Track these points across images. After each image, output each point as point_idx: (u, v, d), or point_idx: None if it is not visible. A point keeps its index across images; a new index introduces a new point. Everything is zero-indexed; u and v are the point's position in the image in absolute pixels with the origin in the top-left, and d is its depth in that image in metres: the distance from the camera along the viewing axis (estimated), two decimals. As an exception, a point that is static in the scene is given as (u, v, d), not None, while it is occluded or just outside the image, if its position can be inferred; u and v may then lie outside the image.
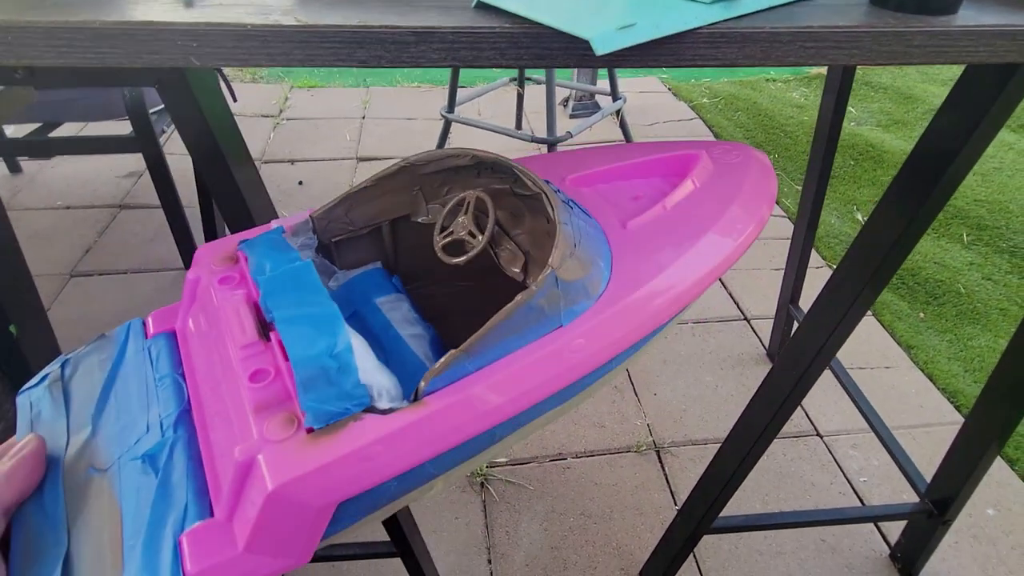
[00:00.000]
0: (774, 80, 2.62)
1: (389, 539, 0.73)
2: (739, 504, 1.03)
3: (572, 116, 2.21)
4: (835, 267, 0.64)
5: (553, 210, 0.34)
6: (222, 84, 1.44)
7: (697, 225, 0.39)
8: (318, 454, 0.25)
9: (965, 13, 0.37)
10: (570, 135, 1.67)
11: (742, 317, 1.43)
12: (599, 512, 1.01)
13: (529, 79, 2.06)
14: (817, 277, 1.48)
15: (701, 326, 1.40)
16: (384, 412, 0.27)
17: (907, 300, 1.51)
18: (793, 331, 1.26)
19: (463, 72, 2.10)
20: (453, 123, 1.81)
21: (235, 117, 0.53)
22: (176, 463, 0.27)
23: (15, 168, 1.82)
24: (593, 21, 0.31)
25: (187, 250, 1.48)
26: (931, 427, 1.19)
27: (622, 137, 2.05)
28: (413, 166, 0.40)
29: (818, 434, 1.17)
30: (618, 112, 1.96)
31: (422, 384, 0.28)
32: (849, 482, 1.08)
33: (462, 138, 2.11)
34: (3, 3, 0.33)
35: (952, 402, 1.24)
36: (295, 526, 0.25)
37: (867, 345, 1.37)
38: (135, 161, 1.81)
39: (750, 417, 0.73)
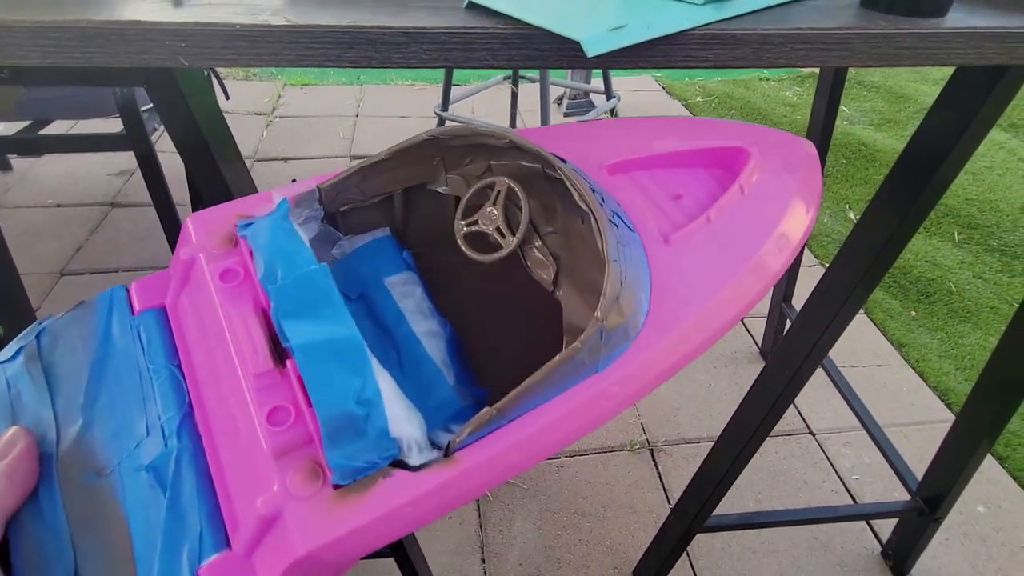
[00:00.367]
0: (767, 79, 2.62)
1: (382, 539, 0.73)
2: (732, 502, 1.04)
3: (566, 115, 2.21)
4: (827, 266, 0.64)
5: (603, 242, 0.31)
6: (215, 82, 1.43)
7: (744, 245, 0.36)
8: (347, 517, 0.24)
9: (954, 15, 0.38)
10: (564, 134, 1.67)
11: (735, 316, 1.43)
12: (593, 511, 1.02)
13: (523, 77, 2.06)
14: (810, 276, 1.48)
15: (695, 325, 1.40)
16: (414, 468, 0.26)
17: (899, 298, 1.51)
18: (786, 330, 1.27)
19: (457, 70, 2.10)
20: (447, 121, 1.80)
21: (228, 115, 0.52)
22: (184, 480, 0.26)
23: (5, 166, 1.80)
24: (584, 22, 0.31)
25: (179, 249, 1.47)
26: (922, 425, 1.20)
27: (616, 136, 2.05)
28: (438, 139, 0.36)
29: (810, 432, 1.18)
30: (612, 111, 1.97)
31: (455, 440, 0.26)
32: (841, 480, 1.09)
33: (456, 136, 2.10)
34: (-12, 2, 0.32)
35: (943, 400, 1.25)
36: (317, 573, 0.25)
37: (859, 343, 1.38)
38: (126, 159, 1.80)
39: (743, 416, 0.74)
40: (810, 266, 1.59)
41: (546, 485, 1.05)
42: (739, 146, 0.42)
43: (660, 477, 1.08)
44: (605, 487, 1.05)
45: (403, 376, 0.34)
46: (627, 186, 0.39)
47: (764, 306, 1.34)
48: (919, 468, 0.89)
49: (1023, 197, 1.87)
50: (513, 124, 2.10)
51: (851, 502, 1.05)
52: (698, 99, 2.43)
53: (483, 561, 0.94)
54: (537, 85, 1.67)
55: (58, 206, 1.67)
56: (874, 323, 1.44)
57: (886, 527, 1.00)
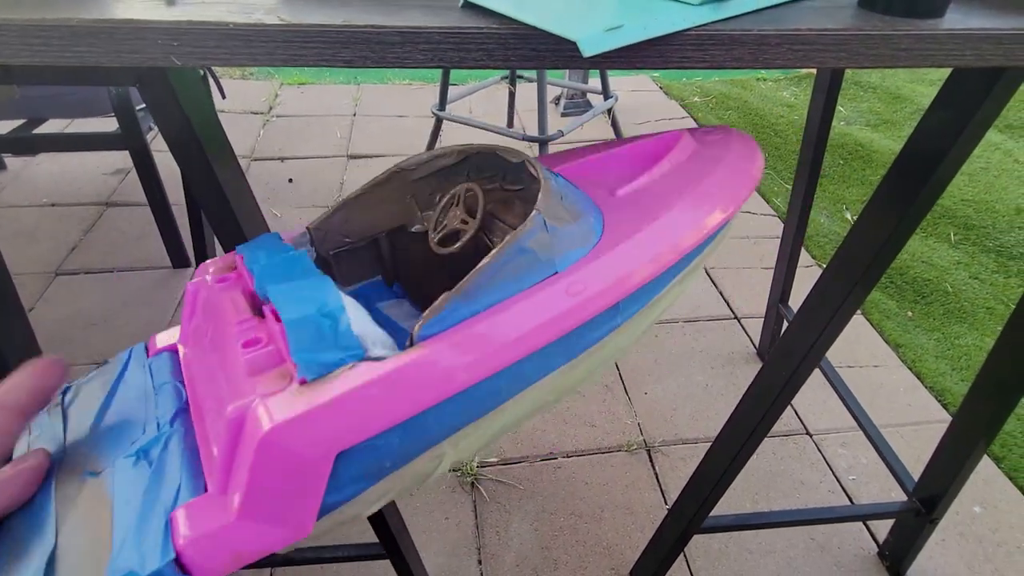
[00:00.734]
0: (765, 79, 2.63)
1: (378, 540, 0.73)
2: (729, 503, 1.04)
3: (564, 114, 2.21)
4: (825, 266, 0.64)
5: (537, 169, 0.34)
6: (211, 81, 1.42)
7: (687, 185, 0.40)
8: (311, 398, 0.24)
9: (952, 17, 0.37)
10: (561, 133, 1.67)
11: (732, 316, 1.43)
12: (589, 512, 1.02)
13: (521, 77, 2.06)
14: (807, 276, 1.48)
15: (691, 325, 1.40)
16: (379, 360, 0.27)
17: (895, 299, 1.52)
18: (783, 330, 1.27)
19: (455, 70, 2.09)
20: (444, 121, 1.80)
21: (224, 114, 0.52)
22: (171, 453, 0.27)
23: (-1, 165, 1.79)
24: (581, 23, 0.31)
25: (174, 248, 1.46)
26: (919, 425, 1.20)
27: (613, 135, 2.05)
28: (404, 171, 0.40)
29: (807, 433, 1.18)
30: (609, 111, 1.96)
31: (416, 328, 0.27)
32: (838, 480, 1.09)
33: (453, 136, 2.10)
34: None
35: (940, 400, 1.26)
36: (292, 483, 0.24)
37: (856, 344, 1.38)
38: (122, 158, 1.79)
39: (740, 416, 0.73)
40: (807, 267, 1.59)
41: (543, 486, 1.05)
42: (673, 134, 0.46)
43: (657, 477, 1.08)
44: (602, 488, 1.05)
45: None
46: (576, 179, 0.42)
47: (761, 306, 1.34)
48: (916, 469, 0.90)
49: (1019, 198, 1.88)
50: (511, 124, 2.10)
51: (848, 503, 1.05)
52: (695, 99, 2.43)
53: (479, 562, 0.94)
54: (535, 85, 1.67)
55: (52, 205, 1.66)
56: (871, 324, 1.44)
57: (883, 528, 1.00)
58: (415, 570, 0.78)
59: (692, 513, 0.80)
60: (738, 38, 0.34)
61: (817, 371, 1.19)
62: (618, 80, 2.54)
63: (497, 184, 0.40)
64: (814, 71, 1.42)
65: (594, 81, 2.06)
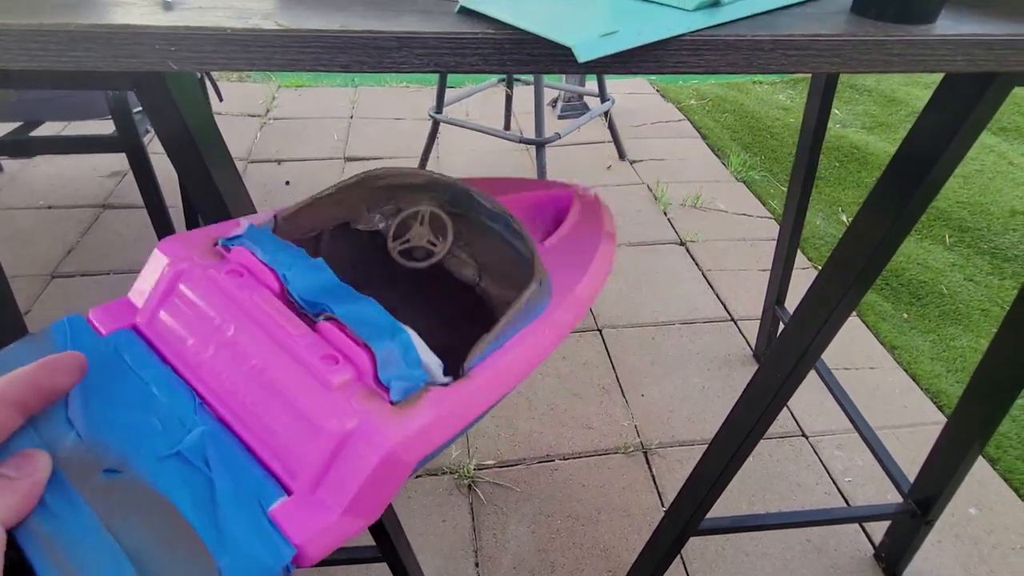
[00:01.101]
0: (761, 82, 2.64)
1: (375, 543, 0.73)
2: (725, 505, 1.04)
3: (561, 117, 2.22)
4: (821, 268, 0.64)
5: (523, 231, 0.41)
6: (208, 84, 1.42)
7: (586, 248, 0.50)
8: (411, 419, 0.28)
9: (943, 23, 0.38)
10: (558, 136, 1.67)
11: (729, 318, 1.44)
12: (586, 514, 1.02)
13: (518, 80, 2.06)
14: (803, 278, 1.49)
15: (688, 327, 1.40)
16: (442, 385, 0.31)
17: (891, 301, 1.52)
18: (779, 332, 1.27)
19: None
20: (441, 124, 1.80)
21: (221, 116, 0.52)
22: (224, 451, 0.27)
23: (-5, 167, 1.79)
24: (576, 28, 0.31)
25: (172, 251, 1.46)
26: (915, 427, 1.20)
27: (610, 138, 2.05)
28: (371, 178, 0.44)
29: (803, 435, 1.18)
30: (606, 113, 1.97)
31: (467, 364, 0.33)
32: (834, 482, 1.09)
33: (451, 138, 2.10)
34: (-25, 5, 0.32)
35: (935, 402, 1.26)
36: (387, 485, 0.28)
37: (852, 345, 1.38)
38: (119, 160, 1.79)
39: (736, 418, 0.74)
40: (803, 268, 1.60)
41: (540, 488, 1.05)
42: (567, 193, 0.55)
43: (654, 480, 1.08)
44: (599, 490, 1.05)
45: None
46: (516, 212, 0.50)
47: (757, 308, 1.34)
48: (911, 470, 0.90)
49: (1013, 200, 1.89)
50: (508, 127, 2.10)
51: (844, 505, 1.06)
52: (692, 102, 2.44)
53: (477, 565, 0.94)
54: (532, 88, 1.68)
55: (49, 208, 1.66)
56: (866, 325, 1.44)
57: (879, 529, 1.00)
58: (412, 573, 0.78)
59: (688, 515, 0.80)
60: (732, 43, 0.35)
61: (813, 373, 1.20)
62: (615, 83, 2.55)
63: (444, 208, 0.46)
64: (809, 74, 1.43)
65: (591, 84, 2.06)
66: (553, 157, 1.99)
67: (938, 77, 0.50)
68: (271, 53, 0.33)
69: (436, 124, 1.81)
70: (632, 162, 2.04)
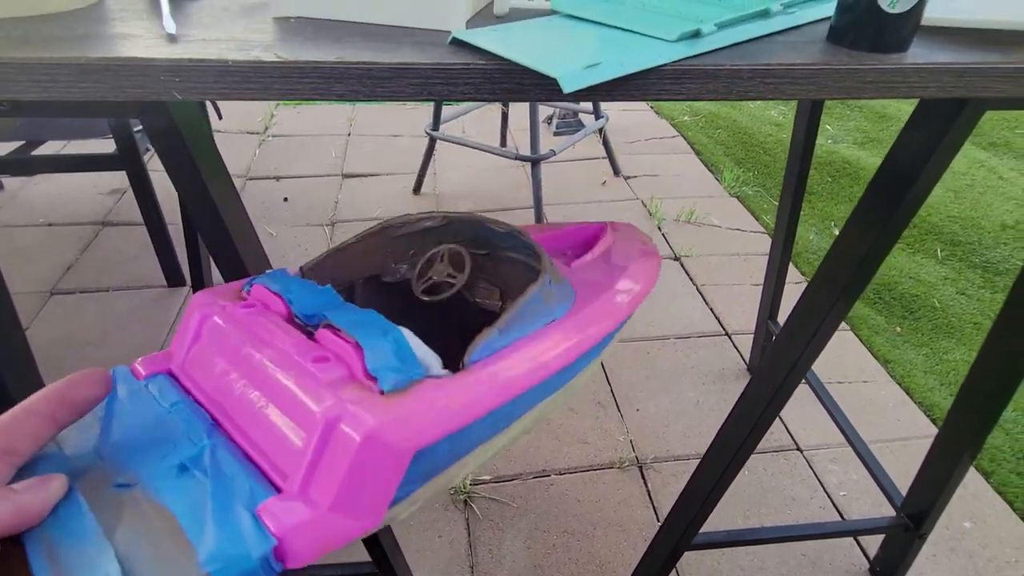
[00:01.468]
0: (754, 99, 2.67)
1: (371, 559, 0.73)
2: (721, 519, 1.04)
3: (556, 134, 2.24)
4: (809, 281, 0.66)
5: (531, 241, 0.41)
6: (208, 103, 1.44)
7: (620, 263, 0.50)
8: (398, 405, 0.28)
9: (916, 51, 0.39)
10: (554, 152, 1.70)
11: (723, 332, 1.45)
12: (582, 529, 1.02)
13: (514, 98, 2.09)
14: (796, 292, 1.50)
15: (683, 341, 1.41)
16: (438, 378, 0.32)
17: (884, 315, 1.54)
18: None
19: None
20: (438, 141, 1.82)
21: (221, 134, 0.54)
22: (224, 463, 0.28)
23: (-4, 185, 1.80)
24: (561, 60, 0.33)
25: (170, 268, 1.47)
26: (908, 440, 1.21)
27: (605, 154, 2.08)
28: (391, 227, 0.46)
29: (798, 448, 1.19)
30: (601, 130, 2.00)
31: (467, 357, 0.33)
32: (829, 496, 1.10)
33: (447, 155, 2.13)
34: (-12, 38, 0.33)
35: (928, 415, 1.27)
36: (378, 477, 0.27)
37: (845, 359, 1.39)
38: (119, 178, 1.80)
39: (727, 432, 0.74)
40: (796, 283, 1.61)
41: (535, 503, 1.05)
42: (598, 226, 0.57)
43: (649, 494, 1.08)
44: (594, 505, 1.06)
45: None
46: (543, 243, 0.52)
47: (751, 323, 1.35)
48: (905, 483, 0.91)
49: (1004, 214, 1.91)
50: (503, 144, 2.13)
51: (839, 518, 1.06)
52: (685, 118, 2.47)
53: (473, 581, 0.94)
54: (527, 105, 1.70)
55: (49, 225, 1.67)
56: (860, 339, 1.46)
57: (874, 543, 1.00)
58: (408, 589, 0.78)
59: (682, 530, 0.80)
60: (712, 72, 0.36)
61: (807, 387, 1.21)
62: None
63: (477, 248, 0.47)
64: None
65: (586, 101, 2.09)
66: (549, 173, 2.01)
67: (917, 99, 0.52)
68: (270, 83, 0.34)
69: (433, 141, 1.84)
70: (627, 178, 2.07)
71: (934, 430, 1.24)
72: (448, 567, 0.95)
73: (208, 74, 0.33)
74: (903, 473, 1.05)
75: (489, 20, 0.43)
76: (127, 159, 1.28)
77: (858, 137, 2.36)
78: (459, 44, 0.37)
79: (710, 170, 2.14)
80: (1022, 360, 0.72)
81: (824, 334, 0.64)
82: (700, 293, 1.57)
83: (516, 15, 0.44)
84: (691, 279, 1.61)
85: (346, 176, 2.00)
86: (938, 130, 0.51)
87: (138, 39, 0.35)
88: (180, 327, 0.36)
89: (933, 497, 0.85)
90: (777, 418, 1.23)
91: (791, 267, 1.64)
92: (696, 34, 0.37)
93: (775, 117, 2.47)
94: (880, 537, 0.97)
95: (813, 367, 0.93)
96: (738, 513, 1.06)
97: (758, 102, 2.64)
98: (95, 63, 0.32)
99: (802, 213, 1.68)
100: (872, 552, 1.00)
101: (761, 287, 1.29)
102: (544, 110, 2.30)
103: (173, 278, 1.48)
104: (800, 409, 1.26)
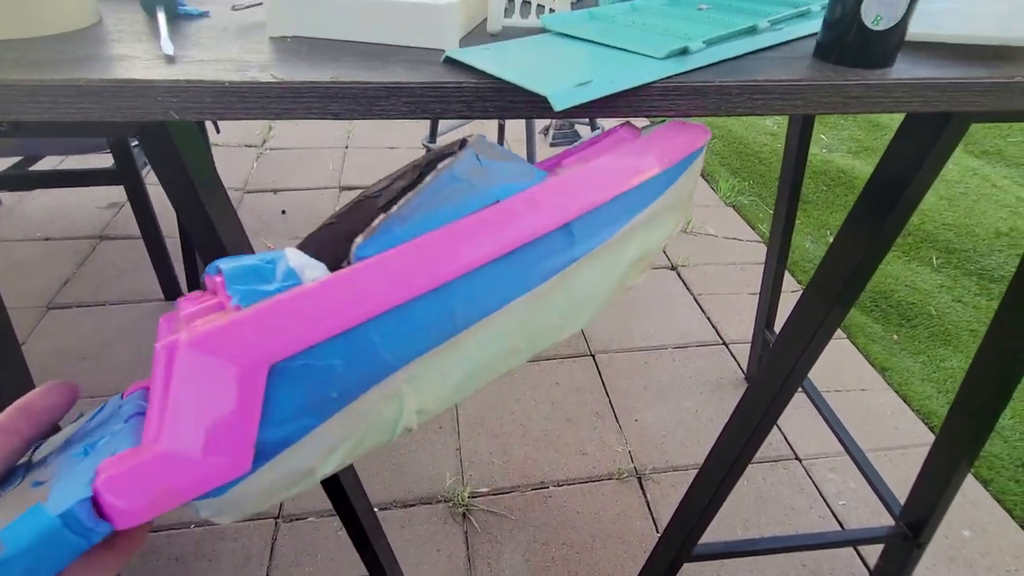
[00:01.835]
0: (748, 109, 2.69)
1: (368, 575, 0.73)
2: (720, 529, 1.04)
3: (552, 144, 2.26)
4: (803, 289, 0.66)
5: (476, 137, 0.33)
6: (205, 117, 1.45)
7: (626, 148, 0.38)
8: (243, 313, 0.24)
9: (900, 66, 0.40)
10: (550, 165, 1.71)
11: (720, 342, 1.45)
12: (581, 541, 1.02)
13: (510, 110, 2.10)
14: (793, 301, 1.50)
15: (680, 351, 1.42)
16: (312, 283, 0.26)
17: (881, 323, 1.54)
18: (770, 355, 1.28)
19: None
20: (435, 153, 1.84)
21: (219, 148, 0.54)
22: (117, 439, 0.26)
23: (-6, 200, 1.81)
24: (552, 78, 0.33)
25: (167, 281, 1.47)
26: (906, 449, 1.21)
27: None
28: (368, 199, 0.39)
29: (797, 458, 1.18)
30: (597, 141, 2.01)
31: (352, 249, 0.27)
32: (828, 506, 1.09)
33: (445, 167, 2.14)
34: (-12, 61, 0.34)
35: (926, 423, 1.27)
36: (220, 400, 0.23)
37: (843, 368, 1.40)
38: (116, 192, 1.81)
39: (725, 442, 0.75)
40: (792, 291, 1.62)
41: (534, 516, 1.05)
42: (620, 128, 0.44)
43: (648, 505, 1.08)
44: (593, 517, 1.05)
45: None
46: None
47: (748, 332, 1.36)
48: (904, 492, 0.90)
49: (998, 222, 1.92)
50: (500, 155, 2.14)
51: (838, 528, 1.06)
52: (681, 129, 2.49)
53: (472, 594, 0.93)
54: (523, 118, 1.71)
55: (46, 239, 1.68)
56: (857, 347, 1.46)
57: (873, 553, 1.00)
58: (406, 603, 0.78)
59: (681, 541, 0.80)
60: (700, 89, 0.37)
61: (805, 396, 1.21)
62: (606, 111, 2.60)
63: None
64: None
65: (582, 113, 2.11)
66: (545, 184, 2.02)
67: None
68: (267, 103, 0.35)
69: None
70: (623, 188, 2.08)
71: (932, 438, 1.23)
72: (447, 580, 0.95)
73: (205, 95, 0.34)
74: (902, 481, 1.05)
75: (482, 38, 0.43)
76: (125, 174, 1.29)
77: (852, 146, 2.38)
78: (452, 63, 0.38)
79: (706, 179, 2.15)
80: (1017, 364, 0.72)
81: (820, 341, 0.65)
82: (697, 303, 1.57)
83: (509, 33, 0.45)
84: (688, 289, 1.62)
85: (344, 189, 2.00)
86: (927, 141, 0.52)
87: (136, 60, 0.36)
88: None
89: (932, 505, 0.85)
90: (775, 428, 1.23)
91: (787, 276, 1.65)
92: (684, 51, 0.38)
93: (770, 127, 2.49)
94: (880, 547, 0.97)
95: (810, 376, 0.93)
96: (737, 523, 1.06)
97: (753, 112, 2.66)
98: (94, 84, 0.32)
99: (798, 222, 1.69)
100: (872, 561, 1.00)
101: (758, 296, 1.30)
102: (541, 121, 2.32)
103: (170, 292, 1.48)
104: (798, 418, 1.26)
